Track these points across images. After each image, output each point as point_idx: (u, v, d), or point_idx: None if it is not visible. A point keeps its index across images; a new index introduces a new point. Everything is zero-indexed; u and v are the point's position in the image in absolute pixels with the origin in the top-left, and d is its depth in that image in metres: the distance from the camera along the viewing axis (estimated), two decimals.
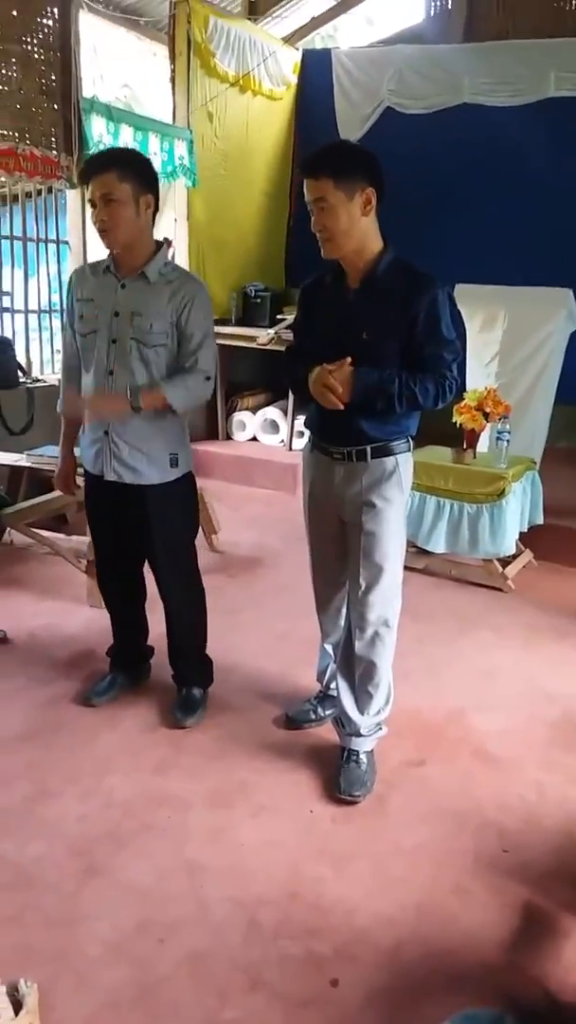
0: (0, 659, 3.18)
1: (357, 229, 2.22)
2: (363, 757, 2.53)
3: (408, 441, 2.42)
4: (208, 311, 2.53)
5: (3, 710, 2.82)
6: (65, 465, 2.83)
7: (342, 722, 2.57)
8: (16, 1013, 1.71)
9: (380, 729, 2.59)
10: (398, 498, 2.40)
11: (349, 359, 2.22)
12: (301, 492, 2.65)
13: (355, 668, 2.50)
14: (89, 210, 2.47)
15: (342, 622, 2.63)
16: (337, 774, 2.49)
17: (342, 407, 2.24)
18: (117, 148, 2.65)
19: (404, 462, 2.40)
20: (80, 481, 2.81)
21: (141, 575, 2.88)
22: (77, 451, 2.79)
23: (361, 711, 2.52)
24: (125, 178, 2.34)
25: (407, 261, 2.30)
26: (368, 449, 2.35)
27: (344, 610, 2.61)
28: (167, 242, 6.14)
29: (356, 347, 2.24)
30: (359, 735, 2.53)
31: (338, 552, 2.54)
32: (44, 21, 4.39)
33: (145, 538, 2.67)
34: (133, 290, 2.48)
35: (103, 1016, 1.77)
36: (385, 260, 2.28)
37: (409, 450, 2.43)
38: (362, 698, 2.52)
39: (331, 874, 2.18)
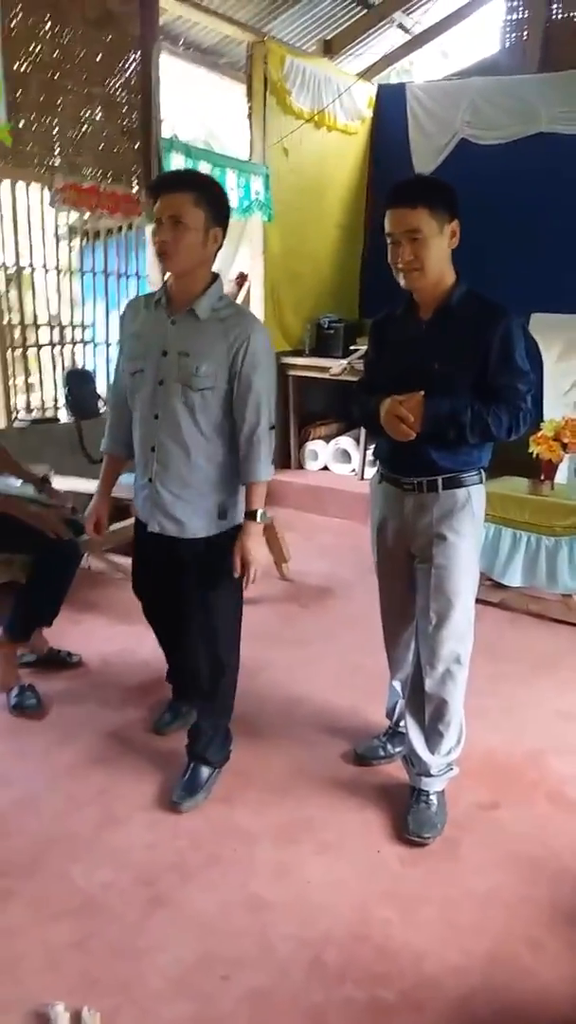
0: (74, 683, 3.22)
1: (444, 261, 2.23)
2: (433, 798, 2.47)
3: (480, 473, 2.37)
4: (267, 352, 2.32)
5: (75, 734, 2.85)
6: (97, 506, 2.62)
7: (412, 761, 2.51)
8: None
9: (451, 769, 2.52)
10: (470, 531, 2.34)
11: (421, 392, 2.20)
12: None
13: (425, 706, 2.44)
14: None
15: (411, 658, 2.58)
16: (406, 814, 2.43)
17: (413, 437, 2.22)
18: (198, 172, 2.43)
19: (477, 494, 2.35)
20: (121, 525, 2.74)
21: (182, 617, 2.60)
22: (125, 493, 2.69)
23: (431, 750, 2.46)
24: (200, 203, 2.17)
25: (479, 292, 2.28)
26: (439, 480, 2.31)
27: (413, 645, 2.55)
28: (242, 277, 6.29)
29: (427, 379, 2.22)
30: (429, 775, 2.47)
31: (407, 586, 2.49)
32: (126, 64, 4.54)
33: (183, 598, 2.48)
34: (183, 327, 2.28)
35: None
36: (458, 292, 2.27)
37: (481, 482, 2.38)
38: (432, 737, 2.46)
39: (398, 917, 2.12)
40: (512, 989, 1.92)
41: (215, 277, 2.32)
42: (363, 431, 5.72)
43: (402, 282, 2.25)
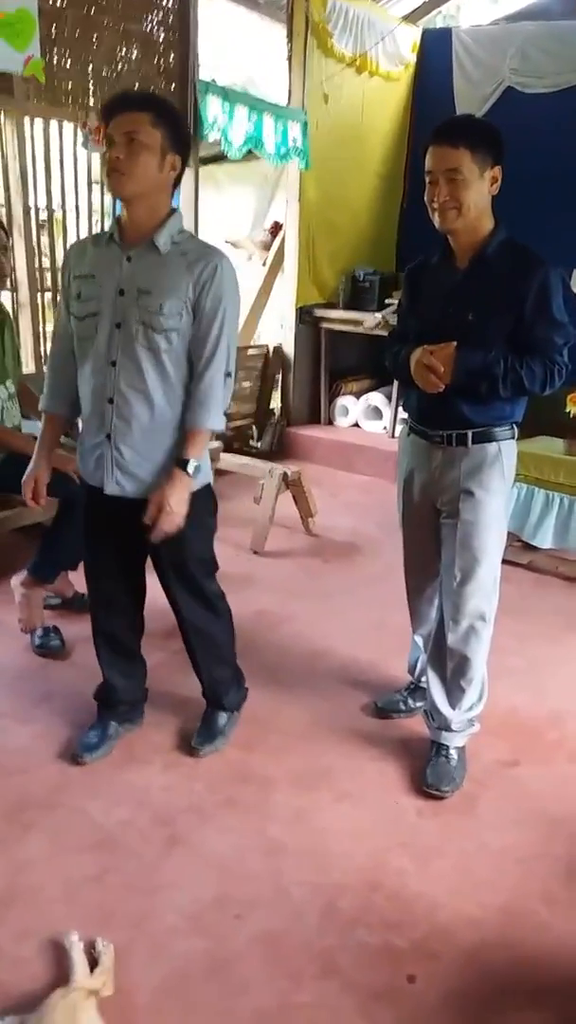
0: None
1: (481, 205, 2.14)
2: (453, 752, 2.46)
3: (512, 428, 2.31)
4: (234, 292, 2.11)
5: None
6: (35, 471, 2.34)
7: (432, 716, 2.49)
8: (92, 971, 1.74)
9: (472, 726, 2.50)
10: (500, 487, 2.28)
11: (453, 342, 2.14)
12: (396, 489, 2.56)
13: (447, 662, 2.42)
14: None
15: (434, 614, 2.55)
16: (425, 767, 2.43)
17: (442, 388, 2.16)
18: (157, 95, 2.22)
19: (507, 449, 2.29)
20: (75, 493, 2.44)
21: (142, 606, 2.50)
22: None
23: (452, 706, 2.44)
24: (158, 125, 1.99)
25: (518, 242, 2.20)
26: (469, 434, 2.25)
27: (436, 601, 2.52)
28: (276, 226, 6.17)
29: (461, 329, 2.16)
30: (449, 730, 2.45)
31: (432, 540, 2.44)
32: (165, 2, 4.42)
33: (153, 561, 2.33)
34: (141, 263, 2.07)
35: (174, 984, 1.77)
36: (496, 240, 2.19)
37: (513, 437, 2.31)
38: (453, 692, 2.43)
39: (414, 868, 2.12)
40: (526, 942, 1.92)
41: (174, 210, 2.13)
42: (395, 387, 5.63)
43: (436, 221, 2.17)
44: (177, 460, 2.15)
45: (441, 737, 2.46)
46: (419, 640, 2.69)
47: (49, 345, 4.39)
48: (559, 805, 2.36)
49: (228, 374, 2.14)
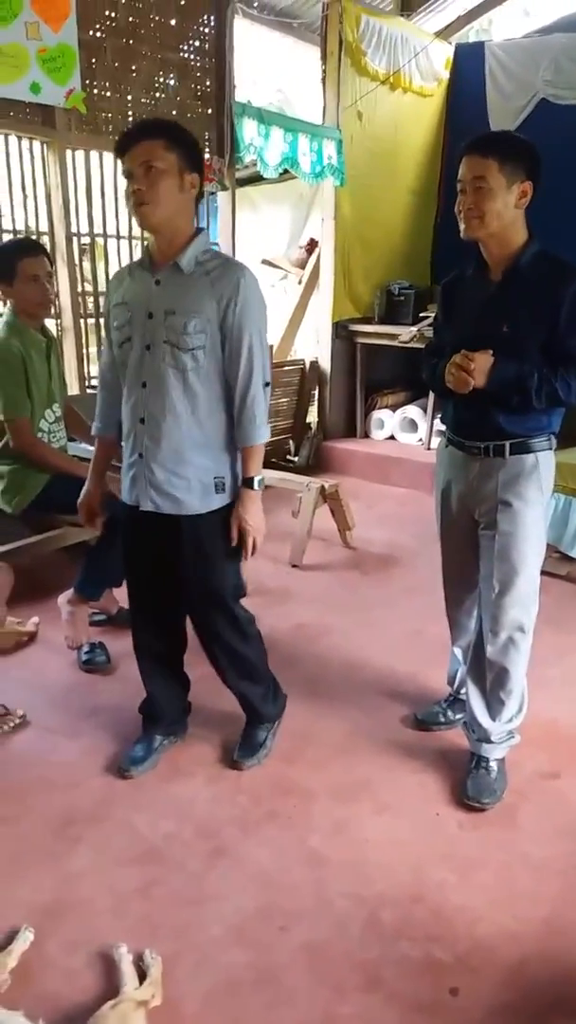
0: None
1: (506, 217, 2.17)
2: (493, 764, 2.47)
3: (550, 439, 2.32)
4: (258, 303, 2.15)
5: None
6: (89, 494, 2.51)
7: (472, 728, 2.51)
8: (140, 983, 1.78)
9: (512, 737, 2.51)
10: (537, 498, 2.29)
11: (490, 351, 2.17)
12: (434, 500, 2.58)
13: (487, 673, 2.43)
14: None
15: (472, 625, 2.57)
16: (465, 779, 2.45)
17: (470, 387, 2.17)
18: (164, 119, 2.24)
19: (545, 460, 2.30)
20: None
21: (183, 624, 2.54)
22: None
23: (492, 717, 2.45)
24: (172, 147, 2.03)
25: (552, 254, 2.22)
26: (507, 445, 2.27)
27: (475, 613, 2.53)
28: (312, 243, 6.23)
29: (496, 340, 2.18)
30: (489, 742, 2.46)
31: (470, 552, 2.46)
32: (201, 28, 4.53)
33: (181, 575, 2.34)
34: (168, 285, 2.12)
35: (221, 995, 1.81)
36: (529, 252, 2.21)
37: (551, 448, 2.32)
38: (493, 704, 2.45)
39: (455, 880, 2.13)
40: (568, 957, 1.92)
41: (199, 230, 2.18)
42: (430, 399, 5.65)
43: (462, 229, 2.21)
44: (244, 481, 2.25)
45: (481, 749, 2.48)
46: (458, 652, 2.70)
47: (94, 367, 4.54)
48: None
49: (267, 384, 2.20)
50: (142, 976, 1.81)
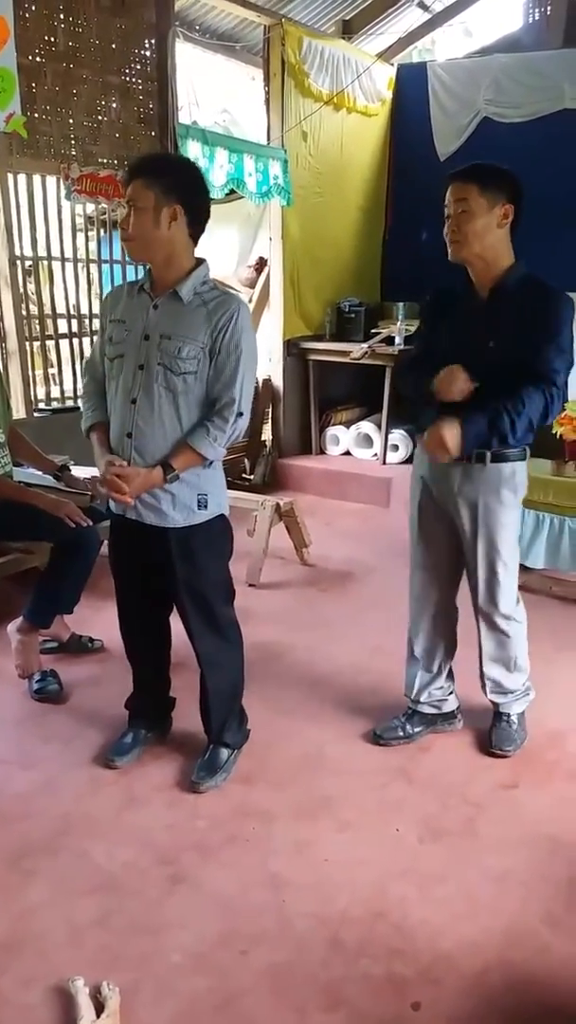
0: (95, 668, 3.26)
1: (488, 238, 2.33)
2: (514, 718, 2.73)
3: (525, 449, 2.49)
4: (248, 335, 2.25)
5: (97, 718, 2.89)
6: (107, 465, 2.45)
7: (491, 686, 2.71)
8: (98, 1015, 1.75)
9: (528, 693, 2.74)
10: (512, 501, 2.50)
11: (458, 366, 2.29)
12: (408, 500, 2.72)
13: (493, 647, 2.66)
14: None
15: (432, 629, 2.72)
16: (489, 733, 2.71)
17: (449, 457, 2.32)
18: (161, 153, 2.39)
19: (520, 468, 2.50)
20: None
21: (167, 623, 2.64)
22: None
23: (508, 672, 2.68)
24: (150, 184, 2.14)
25: (537, 277, 2.38)
26: (488, 454, 2.41)
27: (445, 615, 2.73)
28: (261, 262, 6.27)
29: (481, 356, 2.31)
30: (506, 694, 2.70)
31: (445, 553, 2.62)
32: (142, 52, 4.54)
33: (169, 585, 2.44)
34: (165, 311, 2.24)
35: (183, 1023, 1.77)
36: (515, 275, 2.37)
37: (525, 458, 2.51)
38: (507, 664, 2.67)
39: (416, 895, 2.13)
40: (529, 965, 1.92)
41: (199, 261, 2.28)
42: (384, 415, 5.69)
43: (449, 253, 2.36)
44: (163, 464, 2.26)
45: (501, 706, 2.72)
46: (418, 654, 2.75)
47: (40, 390, 4.50)
48: (559, 826, 2.38)
49: (240, 413, 2.26)
50: (100, 1009, 1.77)
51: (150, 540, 2.37)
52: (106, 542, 2.75)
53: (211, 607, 2.47)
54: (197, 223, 2.25)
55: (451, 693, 2.80)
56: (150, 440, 2.27)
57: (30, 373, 4.29)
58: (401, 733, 2.76)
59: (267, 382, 5.97)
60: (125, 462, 2.30)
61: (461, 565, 2.64)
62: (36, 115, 4.00)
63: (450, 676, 2.79)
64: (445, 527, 2.59)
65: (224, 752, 2.59)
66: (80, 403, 2.57)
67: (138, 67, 4.54)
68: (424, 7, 6.48)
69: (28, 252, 4.23)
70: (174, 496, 2.31)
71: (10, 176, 3.97)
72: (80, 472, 3.33)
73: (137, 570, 2.50)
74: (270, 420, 6.12)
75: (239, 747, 2.64)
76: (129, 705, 2.74)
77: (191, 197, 2.21)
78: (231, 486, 5.05)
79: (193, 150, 4.77)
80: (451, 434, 2.27)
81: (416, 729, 2.75)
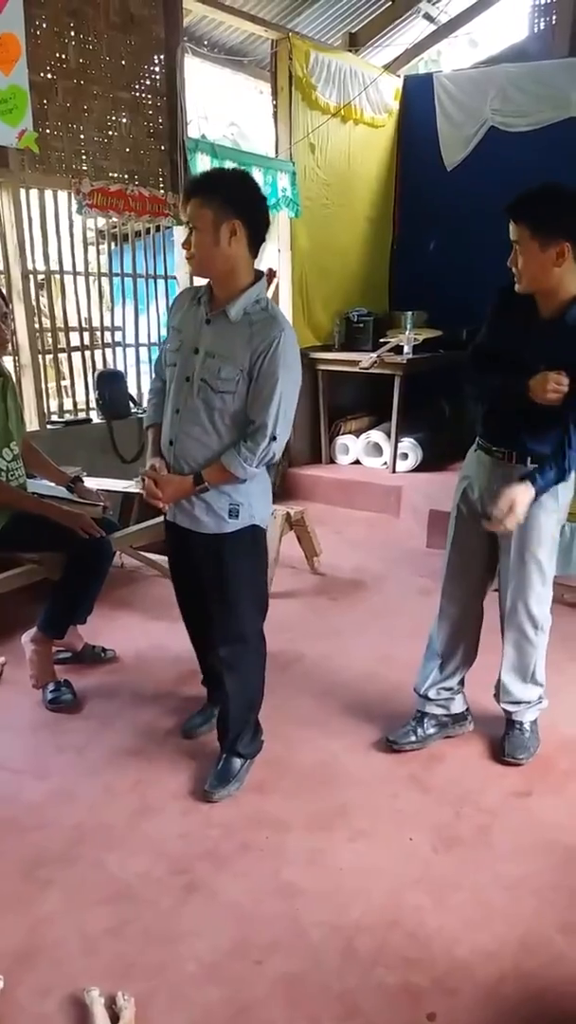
0: (108, 678, 3.28)
1: (543, 277, 2.31)
2: (527, 726, 2.73)
3: None
4: (290, 361, 2.25)
5: (110, 728, 2.91)
6: (154, 467, 2.48)
7: (503, 694, 2.72)
8: None
9: (541, 702, 2.74)
10: (551, 505, 2.49)
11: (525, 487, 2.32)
12: (452, 499, 2.74)
13: (513, 651, 2.67)
14: None
15: (454, 632, 2.74)
16: (502, 741, 2.72)
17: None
18: (215, 170, 2.40)
19: None
20: (153, 522, 2.74)
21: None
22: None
23: (522, 681, 2.69)
24: (207, 203, 2.18)
25: None
26: (529, 457, 2.45)
27: (472, 609, 2.74)
28: (271, 272, 6.30)
29: (532, 376, 2.32)
30: (517, 705, 2.71)
31: (481, 549, 2.64)
32: (152, 68, 4.59)
33: (202, 586, 2.51)
34: (215, 328, 2.29)
35: None
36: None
37: None
38: (523, 671, 2.69)
39: (430, 904, 2.12)
40: (544, 974, 1.92)
41: (258, 276, 2.30)
42: (394, 424, 5.71)
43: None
44: (195, 475, 2.34)
45: (514, 714, 2.72)
46: (438, 652, 2.76)
47: (53, 403, 4.54)
48: (573, 834, 2.37)
49: (274, 438, 2.28)
50: (115, 1019, 1.77)
51: (188, 542, 2.46)
52: (119, 553, 2.76)
53: (236, 614, 2.48)
54: (256, 236, 2.27)
55: (459, 695, 2.82)
56: (189, 450, 2.35)
57: (43, 386, 4.33)
58: (414, 737, 2.77)
59: None
60: (166, 467, 2.39)
61: (493, 573, 2.67)
62: (48, 131, 4.05)
63: (461, 683, 2.80)
64: (482, 531, 2.55)
65: (237, 762, 2.60)
66: (147, 396, 2.69)
67: (148, 82, 4.59)
68: (430, 19, 6.52)
69: (40, 266, 4.28)
70: (208, 503, 2.38)
71: (23, 191, 4.01)
72: (92, 483, 3.35)
73: (184, 568, 2.60)
74: None
75: (252, 757, 2.64)
76: (204, 683, 2.90)
77: (249, 211, 2.23)
78: None
79: (203, 163, 4.81)
80: (520, 498, 2.29)
81: (429, 732, 2.77)
